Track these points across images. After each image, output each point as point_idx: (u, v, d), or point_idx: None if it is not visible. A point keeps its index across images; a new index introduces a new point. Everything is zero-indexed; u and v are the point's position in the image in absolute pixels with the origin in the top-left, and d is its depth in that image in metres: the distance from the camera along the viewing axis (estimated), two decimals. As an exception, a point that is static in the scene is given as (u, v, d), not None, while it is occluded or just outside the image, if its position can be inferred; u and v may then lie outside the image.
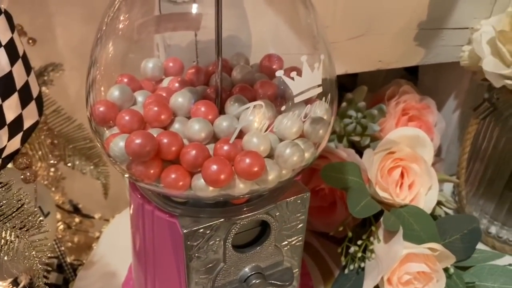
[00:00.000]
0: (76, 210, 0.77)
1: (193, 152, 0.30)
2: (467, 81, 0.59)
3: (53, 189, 0.68)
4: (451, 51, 0.55)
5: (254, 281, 0.38)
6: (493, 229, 0.58)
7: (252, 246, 0.38)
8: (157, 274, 0.39)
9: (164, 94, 0.36)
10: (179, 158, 0.31)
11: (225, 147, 0.31)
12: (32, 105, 0.46)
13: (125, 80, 0.38)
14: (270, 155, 0.33)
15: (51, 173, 0.65)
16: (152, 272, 0.40)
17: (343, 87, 0.65)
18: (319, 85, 0.31)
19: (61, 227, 0.67)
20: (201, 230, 0.34)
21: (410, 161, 0.50)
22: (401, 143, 0.50)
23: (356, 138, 0.56)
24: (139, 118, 0.33)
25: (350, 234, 0.49)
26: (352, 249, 0.49)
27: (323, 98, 0.34)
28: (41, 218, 0.46)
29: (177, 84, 0.38)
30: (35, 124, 0.47)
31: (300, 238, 0.40)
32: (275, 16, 0.42)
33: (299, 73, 0.30)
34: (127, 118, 0.33)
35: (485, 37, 0.49)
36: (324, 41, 0.37)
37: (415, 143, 0.50)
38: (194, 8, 0.41)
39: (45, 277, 0.64)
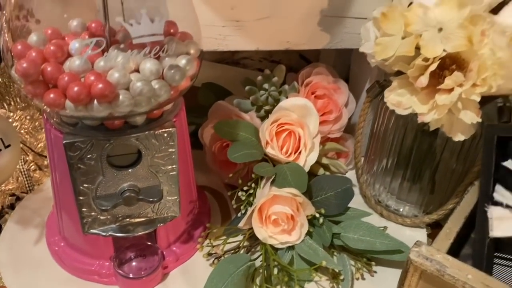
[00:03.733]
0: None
1: (66, 78, 0.41)
2: (376, 68, 0.66)
3: (31, 139, 0.81)
4: (355, 38, 0.63)
5: (127, 194, 0.48)
6: (384, 199, 0.65)
7: (128, 167, 0.48)
8: (60, 184, 0.50)
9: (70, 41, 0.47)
10: (58, 83, 0.42)
11: (91, 77, 0.42)
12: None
13: (49, 31, 0.49)
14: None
15: (27, 121, 0.77)
16: (57, 182, 0.51)
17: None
18: (158, 34, 0.41)
19: (33, 167, 0.80)
20: (77, 143, 0.44)
21: (296, 126, 0.58)
22: (292, 111, 0.59)
23: (268, 108, 0.65)
24: (42, 55, 0.44)
25: (240, 181, 0.58)
26: (240, 193, 0.58)
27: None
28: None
29: (87, 37, 0.49)
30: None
31: (174, 167, 0.50)
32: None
33: (138, 21, 0.40)
34: (33, 54, 0.44)
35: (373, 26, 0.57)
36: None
37: (303, 111, 0.59)
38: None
39: (12, 205, 0.77)
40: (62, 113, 0.44)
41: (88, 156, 0.46)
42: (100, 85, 0.40)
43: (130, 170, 0.48)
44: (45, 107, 0.43)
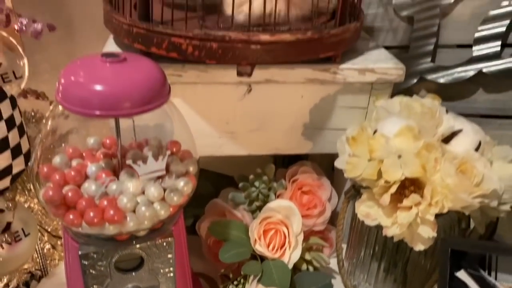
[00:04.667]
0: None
1: (83, 203, 0.50)
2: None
3: (46, 219, 0.89)
4: (335, 145, 0.72)
5: (131, 294, 0.56)
6: (362, 289, 0.72)
7: (131, 270, 0.56)
8: (73, 282, 0.58)
9: (88, 161, 0.56)
10: (76, 206, 0.51)
11: (105, 202, 0.50)
12: (21, 158, 0.68)
13: (70, 150, 0.59)
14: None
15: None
16: (71, 281, 0.59)
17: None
18: (162, 170, 0.50)
19: (48, 247, 0.88)
20: (92, 254, 0.53)
21: (281, 225, 0.66)
22: (278, 212, 0.67)
23: (258, 204, 0.73)
24: (64, 178, 0.53)
25: (231, 275, 0.66)
26: (230, 287, 0.65)
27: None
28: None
29: (101, 156, 0.58)
30: (22, 171, 0.69)
31: (172, 270, 0.57)
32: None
33: (145, 161, 0.49)
34: (57, 177, 0.53)
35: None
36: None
37: (288, 212, 0.67)
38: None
39: (27, 283, 0.85)
40: (77, 230, 0.52)
41: (99, 263, 0.54)
42: (112, 212, 0.49)
43: (133, 273, 0.56)
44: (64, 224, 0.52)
